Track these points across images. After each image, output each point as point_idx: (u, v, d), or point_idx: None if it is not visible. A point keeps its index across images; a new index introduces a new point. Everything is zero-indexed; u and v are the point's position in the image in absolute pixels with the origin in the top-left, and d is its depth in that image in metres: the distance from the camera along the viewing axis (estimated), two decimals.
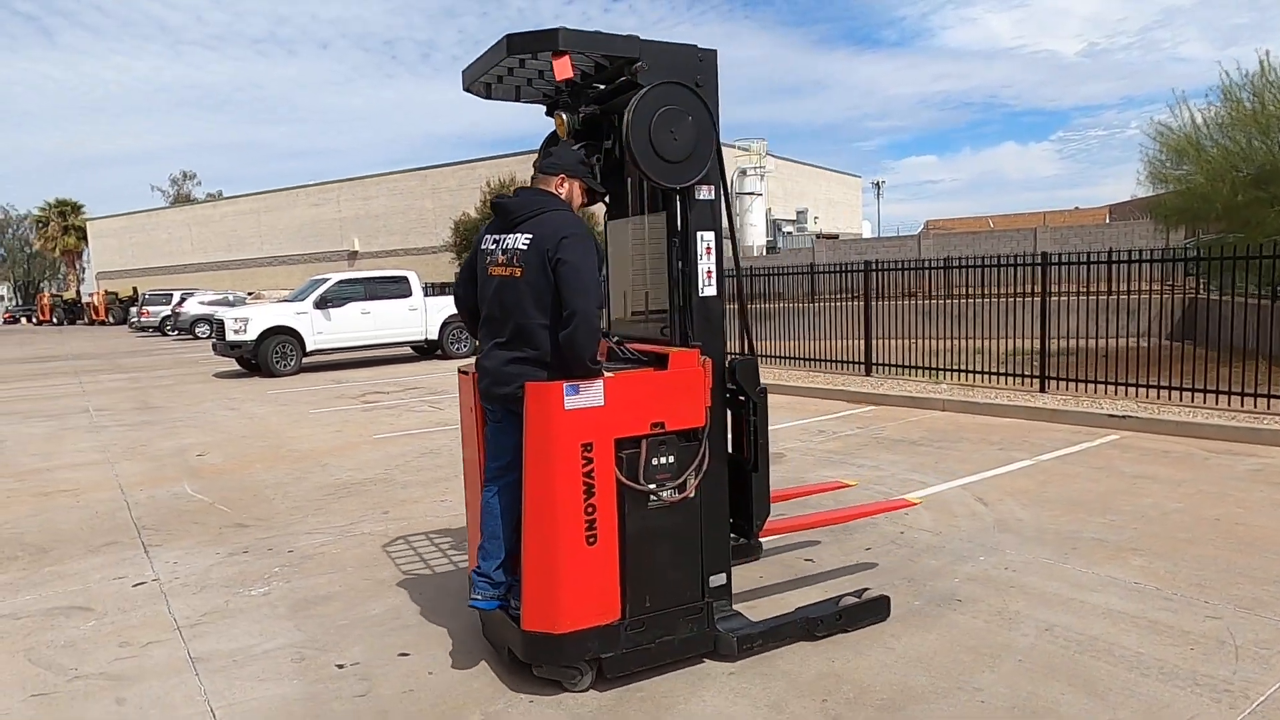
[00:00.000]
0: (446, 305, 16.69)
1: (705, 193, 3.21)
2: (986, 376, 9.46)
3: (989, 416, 8.13)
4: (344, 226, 41.70)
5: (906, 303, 11.27)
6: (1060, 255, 9.10)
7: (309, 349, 15.03)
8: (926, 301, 11.44)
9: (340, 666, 3.32)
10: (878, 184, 65.16)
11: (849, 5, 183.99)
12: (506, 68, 3.34)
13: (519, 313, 3.04)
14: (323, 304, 15.12)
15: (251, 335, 14.51)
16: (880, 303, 11.02)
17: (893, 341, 10.74)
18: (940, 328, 10.37)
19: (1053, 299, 9.83)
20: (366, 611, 3.88)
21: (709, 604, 3.20)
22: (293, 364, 14.80)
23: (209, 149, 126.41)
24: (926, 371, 10.11)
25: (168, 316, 30.17)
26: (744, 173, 33.45)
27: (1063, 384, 8.73)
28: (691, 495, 3.11)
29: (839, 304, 12.35)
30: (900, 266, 10.67)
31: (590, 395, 2.92)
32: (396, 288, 16.09)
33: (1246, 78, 18.26)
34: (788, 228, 36.98)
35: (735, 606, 3.47)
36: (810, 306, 12.55)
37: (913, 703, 2.87)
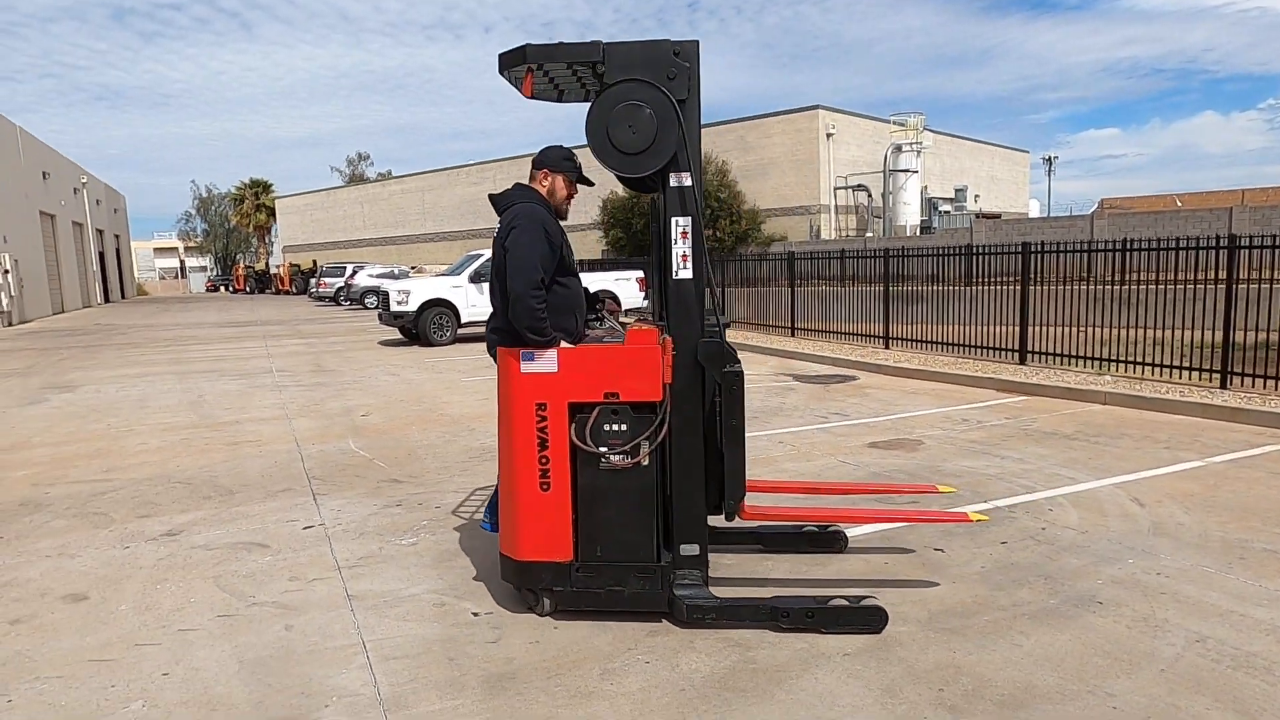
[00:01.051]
0: (591, 282, 17.13)
1: (679, 180, 3.39)
2: (1158, 370, 8.72)
3: (1157, 413, 7.52)
4: None
5: (1070, 288, 10.53)
6: (1253, 238, 8.21)
7: (463, 320, 15.88)
8: (1093, 287, 10.62)
9: (475, 615, 3.58)
10: (1049, 160, 60.76)
11: None
12: (564, 74, 3.66)
13: (495, 292, 3.65)
14: (476, 278, 15.89)
15: (413, 307, 15.50)
16: (1039, 287, 10.36)
17: (1053, 329, 10.09)
18: (1107, 315, 9.63)
19: (1242, 286, 8.90)
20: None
21: (664, 567, 3.44)
22: (449, 334, 15.69)
23: (381, 131, 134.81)
24: (1088, 361, 9.44)
25: (341, 288, 32.64)
26: (899, 149, 32.12)
27: (1249, 380, 7.93)
28: (645, 462, 3.38)
29: (995, 288, 11.71)
30: (1061, 249, 9.98)
31: (544, 362, 3.40)
32: None
33: None
34: (944, 206, 35.22)
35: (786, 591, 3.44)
36: (964, 290, 11.97)
37: (1036, 701, 2.78)
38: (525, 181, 3.86)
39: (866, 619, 3.31)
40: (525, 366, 3.41)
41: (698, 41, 3.35)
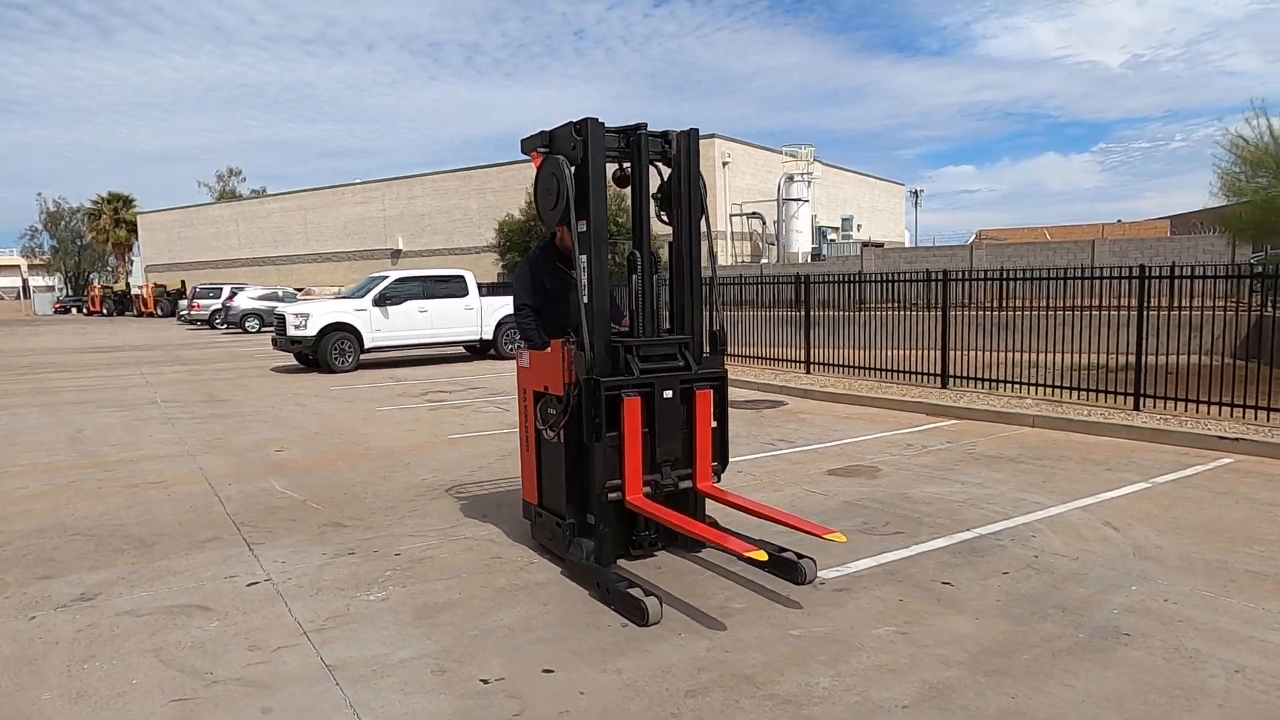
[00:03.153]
0: (502, 305, 16.65)
1: (582, 226, 4.31)
2: (1075, 393, 9.14)
3: (1084, 434, 7.83)
4: (388, 225, 42.02)
5: (979, 314, 10.97)
6: (1160, 268, 8.75)
7: (367, 346, 15.05)
8: (984, 314, 11.12)
9: (485, 681, 3.18)
10: (916, 193, 64.38)
11: (891, 13, 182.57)
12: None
13: None
14: (381, 301, 15.13)
15: (312, 331, 14.56)
16: (933, 313, 10.78)
17: (969, 354, 10.46)
18: (1001, 340, 10.13)
19: (1100, 314, 9.54)
20: (495, 621, 3.75)
21: (571, 524, 4.35)
22: (351, 360, 14.82)
23: (255, 146, 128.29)
24: (1005, 385, 9.81)
25: (218, 310, 30.53)
26: (791, 179, 33.12)
27: (1159, 402, 8.40)
28: (557, 440, 4.37)
29: (898, 314, 12.07)
30: (981, 277, 10.37)
31: (524, 360, 4.78)
32: (453, 287, 16.07)
33: None
34: (832, 235, 36.57)
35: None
36: (877, 316, 12.30)
37: None
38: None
39: (634, 610, 3.71)
40: (520, 361, 4.85)
41: (590, 120, 4.25)
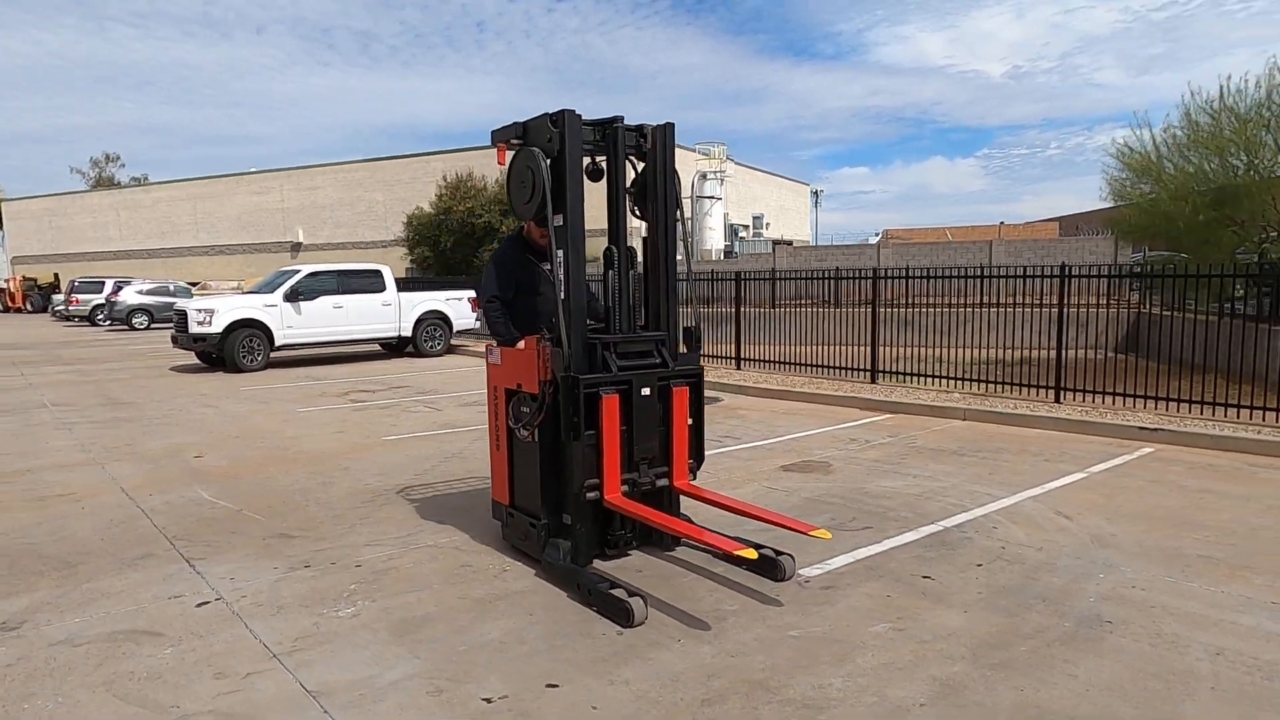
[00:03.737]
0: (422, 301, 16.13)
1: (559, 220, 4.18)
2: (999, 386, 9.52)
3: (1015, 426, 8.15)
4: (287, 217, 40.16)
5: (887, 311, 11.31)
6: (1077, 267, 9.21)
7: (277, 344, 14.29)
8: (900, 310, 11.50)
9: (488, 701, 3.00)
10: (816, 193, 66.23)
11: (788, 16, 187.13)
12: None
13: None
14: (293, 297, 14.40)
15: (217, 328, 13.72)
16: (847, 310, 11.10)
17: (863, 349, 10.80)
18: (916, 336, 10.54)
19: (1008, 311, 10.06)
20: (483, 635, 3.55)
21: (545, 525, 4.25)
22: (260, 359, 14.04)
23: (132, 131, 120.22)
24: (933, 380, 10.13)
25: (100, 305, 28.47)
26: (704, 176, 33.42)
27: (1078, 395, 8.83)
28: (531, 440, 4.26)
29: (828, 310, 12.33)
30: (908, 275, 10.67)
31: (495, 357, 4.64)
32: (369, 282, 15.45)
33: (1206, 102, 18.99)
34: (743, 233, 37.15)
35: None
36: (801, 312, 12.53)
37: None
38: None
39: (619, 612, 3.64)
40: (490, 358, 4.69)
41: (565, 111, 4.11)
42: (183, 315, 14.06)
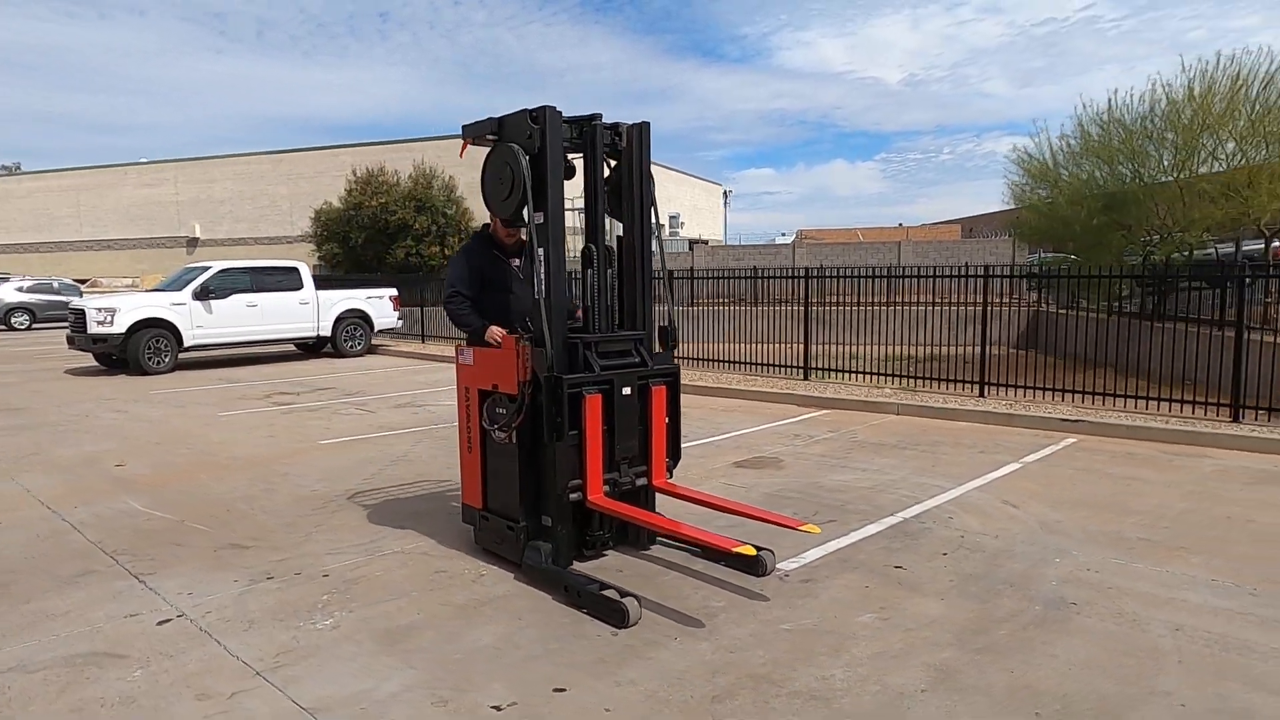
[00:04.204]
0: (342, 299, 15.61)
1: (539, 218, 4.09)
2: (926, 381, 9.93)
3: (946, 420, 8.51)
4: (182, 210, 38.07)
5: (796, 309, 11.65)
6: (994, 267, 9.68)
7: (186, 344, 13.54)
8: (815, 309, 11.90)
9: (497, 709, 2.93)
10: (725, 193, 67.42)
11: (695, 18, 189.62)
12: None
13: None
14: (203, 295, 13.67)
15: (119, 328, 12.89)
16: (773, 308, 11.40)
17: (793, 346, 11.11)
18: (838, 334, 10.94)
19: (918, 309, 10.57)
20: (475, 641, 3.47)
21: (524, 527, 4.17)
22: (167, 361, 13.28)
23: (3, 117, 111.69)
24: (863, 376, 10.48)
25: None
26: None
27: (1001, 389, 9.29)
28: (509, 442, 4.18)
29: (766, 309, 12.59)
30: (842, 274, 10.99)
31: (467, 358, 4.50)
32: (286, 279, 14.82)
33: (1096, 114, 20.22)
34: (660, 232, 37.47)
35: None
36: (692, 310, 12.79)
37: (1124, 711, 2.89)
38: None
39: (613, 612, 3.62)
40: (462, 359, 4.54)
41: (547, 107, 4.05)
42: (80, 314, 13.16)
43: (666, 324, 4.62)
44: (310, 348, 15.92)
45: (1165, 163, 18.14)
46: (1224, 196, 16.63)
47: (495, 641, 3.48)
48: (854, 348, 11.25)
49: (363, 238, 26.02)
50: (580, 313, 4.54)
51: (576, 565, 4.28)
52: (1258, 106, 17.37)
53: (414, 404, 10.20)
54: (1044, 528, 4.95)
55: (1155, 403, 8.21)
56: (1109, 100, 19.99)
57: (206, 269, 14.21)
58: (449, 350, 15.55)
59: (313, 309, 15.00)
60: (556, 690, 3.06)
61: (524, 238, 4.59)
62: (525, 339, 4.15)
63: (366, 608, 3.84)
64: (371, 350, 16.38)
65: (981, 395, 9.30)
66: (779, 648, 3.39)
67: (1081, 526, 4.96)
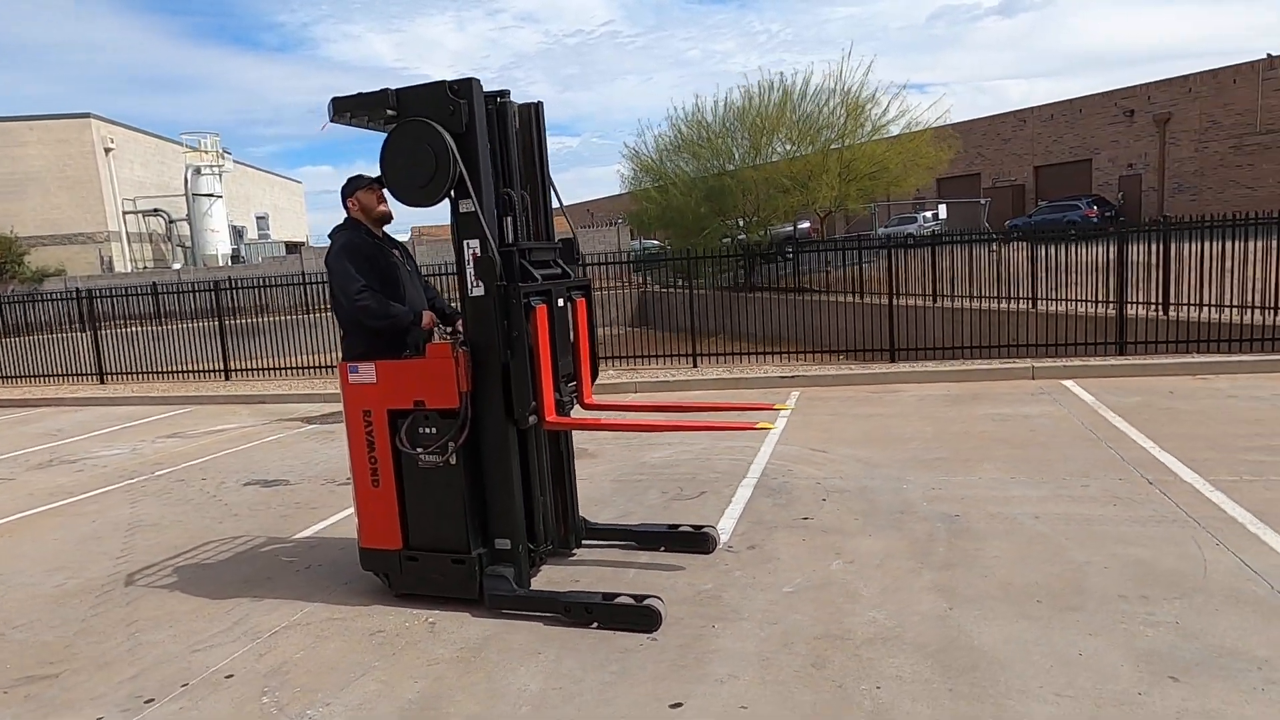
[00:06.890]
0: None
1: (466, 206, 3.62)
2: (646, 360, 10.71)
3: (680, 391, 9.24)
4: None
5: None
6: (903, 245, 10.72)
7: None
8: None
9: None
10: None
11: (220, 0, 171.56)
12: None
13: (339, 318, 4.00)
14: None
15: None
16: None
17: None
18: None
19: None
20: (518, 692, 3.03)
21: (478, 557, 3.73)
22: None
23: None
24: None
25: None
26: (199, 171, 29.29)
27: (709, 360, 10.39)
28: (453, 461, 3.67)
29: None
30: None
31: (365, 374, 3.79)
32: None
33: (686, 114, 23.23)
34: (249, 235, 33.59)
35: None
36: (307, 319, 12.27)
37: (1080, 580, 3.60)
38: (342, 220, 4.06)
39: (641, 618, 3.43)
40: (353, 378, 3.81)
41: (471, 80, 3.58)
42: None
43: (571, 237, 4.37)
44: None
45: (740, 158, 21.66)
46: (795, 188, 20.41)
47: (545, 684, 3.07)
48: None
49: None
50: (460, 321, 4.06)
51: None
52: (800, 115, 21.63)
53: (61, 459, 8.00)
54: (865, 465, 5.76)
55: (829, 355, 9.94)
56: (696, 103, 23.11)
57: None
58: (39, 391, 12.31)
59: None
60: (673, 706, 2.84)
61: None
62: (462, 345, 3.65)
63: (336, 695, 3.08)
64: None
65: (694, 366, 10.29)
66: (809, 610, 3.53)
67: (889, 458, 5.87)
